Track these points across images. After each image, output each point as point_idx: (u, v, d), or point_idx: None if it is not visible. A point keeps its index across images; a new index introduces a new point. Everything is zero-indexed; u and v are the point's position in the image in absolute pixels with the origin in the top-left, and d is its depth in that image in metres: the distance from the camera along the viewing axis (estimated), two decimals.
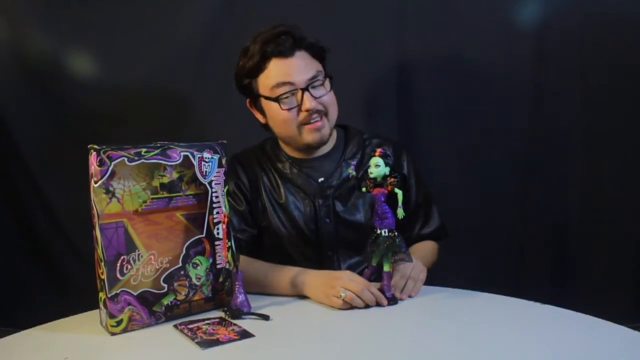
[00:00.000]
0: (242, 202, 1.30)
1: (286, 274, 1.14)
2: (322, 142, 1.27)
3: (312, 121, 1.23)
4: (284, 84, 1.20)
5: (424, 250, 1.33)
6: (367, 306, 1.05)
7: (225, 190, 1.07)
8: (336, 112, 1.28)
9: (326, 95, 1.24)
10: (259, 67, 1.22)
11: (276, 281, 1.14)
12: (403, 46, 1.72)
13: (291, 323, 1.01)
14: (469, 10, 1.70)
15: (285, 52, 1.20)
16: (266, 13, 1.68)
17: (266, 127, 1.32)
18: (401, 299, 1.08)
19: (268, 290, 1.15)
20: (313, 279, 1.11)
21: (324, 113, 1.24)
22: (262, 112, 1.29)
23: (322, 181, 1.29)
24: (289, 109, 1.22)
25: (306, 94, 1.21)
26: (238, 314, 1.02)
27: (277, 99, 1.22)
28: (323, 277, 1.10)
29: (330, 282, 1.07)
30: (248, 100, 1.31)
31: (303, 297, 1.13)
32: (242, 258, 1.13)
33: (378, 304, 1.06)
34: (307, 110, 1.21)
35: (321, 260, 1.27)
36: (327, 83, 1.25)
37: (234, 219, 1.27)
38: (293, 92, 1.21)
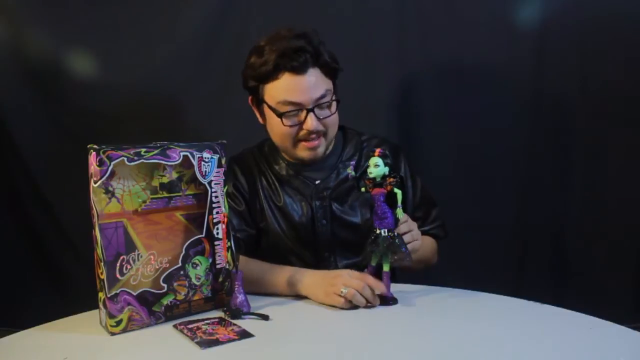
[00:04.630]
0: (241, 203, 1.30)
1: (283, 273, 1.14)
2: (316, 159, 1.27)
3: (309, 139, 1.23)
4: (291, 103, 1.19)
5: (423, 242, 1.31)
6: (368, 305, 1.05)
7: (225, 191, 1.07)
8: (335, 131, 1.28)
9: (330, 117, 1.23)
10: (270, 76, 1.20)
11: (273, 281, 1.14)
12: (403, 47, 1.73)
13: (291, 323, 1.01)
14: (469, 10, 1.70)
15: (298, 69, 1.18)
16: (266, 15, 1.69)
17: (265, 127, 1.31)
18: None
19: (265, 290, 1.14)
20: (311, 278, 1.11)
21: (323, 133, 1.23)
22: (263, 116, 1.28)
23: (318, 183, 1.29)
24: (290, 126, 1.21)
25: (310, 114, 1.19)
26: (238, 314, 1.02)
27: (280, 115, 1.21)
28: (322, 276, 1.10)
29: (330, 281, 1.07)
30: (250, 98, 1.30)
31: (302, 297, 1.13)
32: (240, 258, 1.13)
33: (381, 303, 1.06)
34: (308, 130, 1.21)
35: (318, 261, 1.27)
36: (334, 104, 1.23)
37: (233, 219, 1.27)
38: (298, 111, 1.20)
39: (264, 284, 1.14)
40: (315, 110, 1.20)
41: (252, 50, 1.24)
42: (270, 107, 1.23)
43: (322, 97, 1.20)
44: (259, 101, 1.26)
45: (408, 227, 1.11)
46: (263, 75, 1.21)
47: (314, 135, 1.22)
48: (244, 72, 1.26)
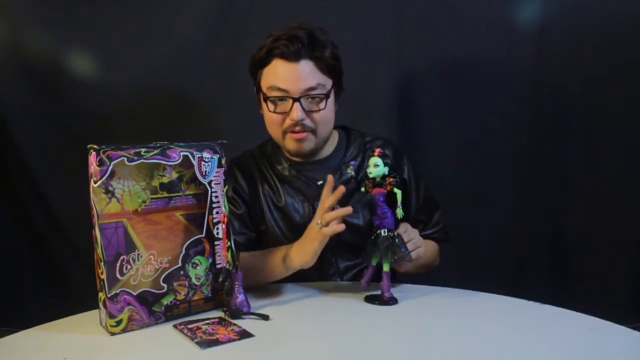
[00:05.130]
0: (241, 206, 1.30)
1: (276, 255, 1.15)
2: (304, 154, 1.26)
3: (295, 131, 1.22)
4: (278, 89, 1.19)
5: (425, 246, 1.31)
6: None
7: (225, 191, 1.07)
8: (328, 130, 1.26)
9: (319, 112, 1.21)
10: (264, 62, 1.22)
11: (268, 265, 1.15)
12: (403, 46, 1.72)
13: (291, 323, 1.01)
14: (469, 10, 1.70)
15: (288, 56, 1.18)
16: (265, 14, 1.69)
17: None
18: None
19: (263, 277, 1.16)
20: (294, 250, 1.12)
21: (310, 129, 1.22)
22: (260, 104, 1.29)
23: (321, 184, 1.28)
24: (275, 112, 1.22)
25: (296, 104, 1.19)
26: (238, 314, 1.02)
27: (266, 99, 1.22)
28: (300, 242, 1.13)
29: (307, 237, 1.11)
30: (255, 88, 1.30)
31: (303, 297, 1.13)
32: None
33: (381, 303, 1.06)
34: (293, 120, 1.20)
35: (319, 262, 1.26)
36: (327, 101, 1.22)
37: (234, 223, 1.27)
38: (285, 98, 1.20)
39: (261, 272, 1.16)
40: (302, 101, 1.19)
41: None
42: (262, 92, 1.23)
43: (312, 89, 1.19)
44: (258, 89, 1.27)
45: (408, 237, 1.12)
46: (259, 61, 1.22)
47: (298, 127, 1.21)
48: (250, 58, 1.27)
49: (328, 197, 1.08)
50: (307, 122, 1.21)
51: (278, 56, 1.19)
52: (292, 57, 1.18)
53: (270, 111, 1.22)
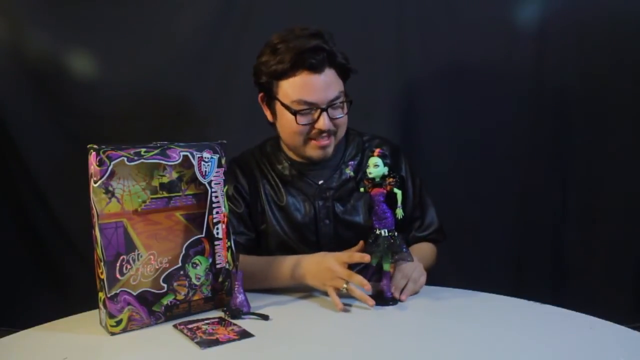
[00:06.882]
0: (241, 205, 1.30)
1: (284, 266, 1.15)
2: (325, 159, 1.27)
3: (320, 138, 1.23)
4: (306, 102, 1.19)
5: (423, 252, 1.31)
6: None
7: (225, 190, 1.07)
8: (344, 131, 1.28)
9: (341, 118, 1.24)
10: (286, 74, 1.20)
11: (274, 274, 1.16)
12: (403, 47, 1.72)
13: (291, 323, 1.01)
14: (469, 10, 1.70)
15: (316, 67, 1.17)
16: (265, 15, 1.69)
17: (272, 125, 1.31)
18: (400, 300, 1.08)
19: (266, 284, 1.16)
20: (308, 267, 1.13)
21: (333, 132, 1.24)
22: (274, 113, 1.28)
23: (322, 183, 1.29)
24: (304, 125, 1.22)
25: (324, 114, 1.20)
26: (237, 313, 1.02)
27: (294, 113, 1.21)
28: (316, 266, 1.12)
29: (323, 273, 1.10)
30: (261, 95, 1.29)
31: (303, 297, 1.13)
32: (240, 257, 1.13)
33: (381, 303, 1.06)
34: (320, 129, 1.21)
35: None
36: (346, 106, 1.24)
37: (233, 221, 1.27)
38: (311, 110, 1.21)
39: (263, 279, 1.16)
40: (329, 110, 1.21)
41: (265, 48, 1.23)
42: (283, 104, 1.22)
43: (336, 98, 1.21)
44: (271, 98, 1.26)
45: (405, 280, 1.11)
46: (279, 73, 1.20)
47: (325, 135, 1.23)
48: (255, 69, 1.25)
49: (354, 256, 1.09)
50: (332, 128, 1.23)
51: (306, 68, 1.18)
52: (318, 68, 1.18)
53: (299, 124, 1.21)
